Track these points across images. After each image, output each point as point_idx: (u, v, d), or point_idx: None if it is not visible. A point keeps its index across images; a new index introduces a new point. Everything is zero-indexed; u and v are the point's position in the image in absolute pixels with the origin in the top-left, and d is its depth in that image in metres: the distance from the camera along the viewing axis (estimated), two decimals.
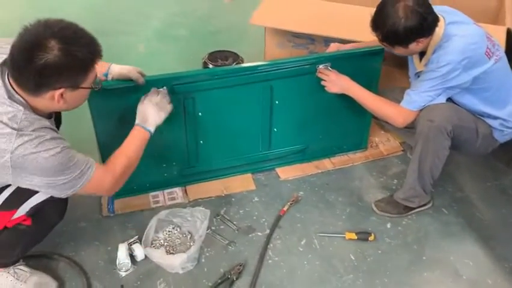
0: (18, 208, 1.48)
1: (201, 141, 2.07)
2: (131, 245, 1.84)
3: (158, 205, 2.08)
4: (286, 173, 2.27)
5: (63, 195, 1.45)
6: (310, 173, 2.27)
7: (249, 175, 2.25)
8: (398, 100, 1.92)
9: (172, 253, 1.85)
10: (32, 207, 1.49)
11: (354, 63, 2.05)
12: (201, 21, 3.64)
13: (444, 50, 1.75)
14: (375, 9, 1.76)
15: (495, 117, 1.90)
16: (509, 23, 2.24)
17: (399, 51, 1.80)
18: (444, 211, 2.10)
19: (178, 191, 2.15)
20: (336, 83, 2.01)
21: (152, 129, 1.69)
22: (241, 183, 2.21)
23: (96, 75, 1.44)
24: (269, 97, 2.05)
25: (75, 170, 1.40)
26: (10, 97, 1.33)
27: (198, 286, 1.77)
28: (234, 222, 2.01)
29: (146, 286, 1.76)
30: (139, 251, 1.82)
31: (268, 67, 1.99)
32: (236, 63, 2.36)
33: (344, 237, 1.95)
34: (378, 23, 1.74)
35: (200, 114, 1.99)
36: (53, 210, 1.56)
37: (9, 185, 1.45)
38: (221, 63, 2.36)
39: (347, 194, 2.17)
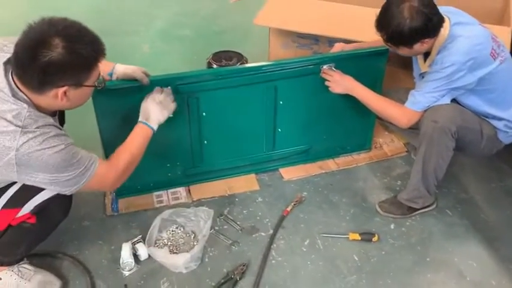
0: (22, 206, 1.49)
1: (205, 141, 2.07)
2: (134, 245, 1.85)
3: (162, 205, 2.09)
4: (290, 173, 2.27)
5: (67, 192, 1.46)
6: (314, 174, 2.27)
7: (253, 175, 2.25)
8: (402, 101, 1.92)
9: (176, 253, 1.85)
10: (36, 205, 1.50)
11: (358, 64, 2.05)
12: (205, 21, 3.65)
13: (449, 51, 1.74)
14: (380, 9, 1.76)
15: (500, 119, 1.89)
16: None
17: (403, 51, 1.80)
18: (449, 212, 2.09)
19: (181, 190, 2.16)
20: (340, 83, 2.01)
21: (155, 126, 1.70)
22: (244, 183, 2.21)
23: (99, 73, 1.44)
24: (273, 97, 2.05)
25: (79, 167, 1.41)
26: (14, 95, 1.34)
27: (201, 286, 1.77)
28: (238, 222, 2.01)
29: (150, 285, 1.77)
30: (143, 251, 1.83)
31: (272, 67, 1.99)
32: (240, 64, 2.37)
33: (348, 237, 1.95)
34: (383, 23, 1.74)
35: (204, 114, 1.99)
36: (58, 208, 1.57)
37: (14, 183, 1.46)
38: (225, 63, 2.36)
39: (350, 194, 2.17)
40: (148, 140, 1.69)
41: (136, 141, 1.65)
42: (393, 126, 2.20)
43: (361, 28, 2.08)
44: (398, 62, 2.24)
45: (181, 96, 1.85)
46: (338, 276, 1.82)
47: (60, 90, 1.34)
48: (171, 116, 1.80)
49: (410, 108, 1.87)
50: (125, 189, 2.08)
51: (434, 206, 2.09)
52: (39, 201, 1.49)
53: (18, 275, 1.68)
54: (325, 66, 2.01)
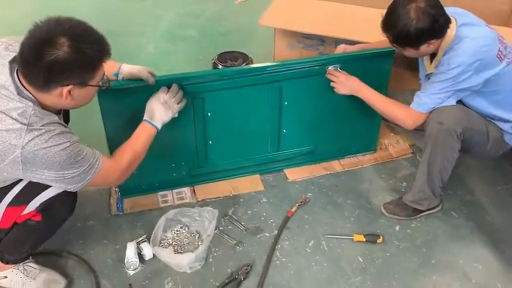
0: (28, 204, 1.50)
1: (210, 142, 2.08)
2: (139, 244, 1.85)
3: (167, 204, 2.09)
4: (295, 174, 2.27)
5: (73, 189, 1.47)
6: (318, 175, 2.27)
7: (258, 176, 2.25)
8: (408, 102, 1.91)
9: (180, 252, 1.85)
10: (41, 203, 1.50)
11: (364, 65, 2.04)
12: (211, 21, 3.65)
13: (455, 52, 1.73)
14: (386, 10, 1.75)
15: (506, 121, 1.89)
16: None
17: (409, 52, 1.79)
18: (454, 214, 2.08)
19: (186, 190, 2.16)
20: (346, 84, 2.00)
21: (159, 125, 1.71)
22: (249, 183, 2.21)
23: (104, 73, 1.45)
24: (278, 98, 2.05)
25: (84, 164, 1.42)
26: (19, 93, 1.34)
27: (206, 286, 1.77)
28: (242, 223, 2.01)
29: (154, 285, 1.77)
30: (148, 250, 1.83)
31: (277, 68, 1.99)
32: (245, 64, 2.37)
33: (352, 239, 1.94)
34: (389, 24, 1.73)
35: (209, 114, 1.99)
36: (63, 205, 1.57)
37: (19, 181, 1.47)
38: (230, 64, 2.36)
39: (355, 196, 2.17)
40: (152, 138, 1.70)
41: (140, 139, 1.66)
42: (399, 128, 2.20)
43: (367, 29, 2.07)
44: (404, 63, 2.24)
45: (187, 96, 1.85)
46: (342, 277, 1.81)
47: (65, 89, 1.34)
48: (176, 116, 1.80)
49: (415, 110, 1.86)
50: (131, 189, 2.09)
51: (439, 207, 2.08)
52: (45, 199, 1.50)
53: (23, 273, 1.69)
54: (330, 67, 2.01)
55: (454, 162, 1.88)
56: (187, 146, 2.05)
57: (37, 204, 1.50)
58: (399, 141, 2.47)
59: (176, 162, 2.09)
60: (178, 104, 1.79)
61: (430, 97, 1.82)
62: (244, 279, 1.78)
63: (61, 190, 1.49)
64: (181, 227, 1.94)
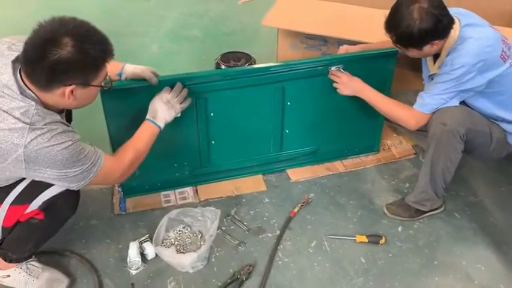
0: (31, 202, 1.50)
1: (213, 142, 2.08)
2: (142, 244, 1.85)
3: (169, 204, 2.10)
4: (297, 174, 2.27)
5: (75, 187, 1.48)
6: (321, 175, 2.27)
7: (260, 176, 2.25)
8: (411, 103, 1.91)
9: (183, 252, 1.86)
10: (44, 201, 1.51)
11: (367, 65, 2.04)
12: (214, 22, 3.66)
13: (458, 53, 1.73)
14: (389, 10, 1.75)
15: (509, 122, 1.88)
16: None
17: (413, 53, 1.79)
18: (457, 215, 2.08)
19: (189, 190, 2.16)
20: (348, 85, 2.00)
21: (161, 125, 1.72)
22: (252, 184, 2.21)
23: (107, 74, 1.46)
24: (281, 98, 2.05)
25: (86, 162, 1.43)
26: (22, 92, 1.35)
27: (208, 286, 1.77)
28: (244, 223, 2.02)
29: (157, 284, 1.77)
30: (150, 250, 1.84)
31: (280, 68, 1.99)
32: (248, 64, 2.37)
33: (355, 239, 1.94)
34: (392, 24, 1.73)
35: (212, 114, 1.99)
36: (65, 204, 1.58)
37: (22, 180, 1.48)
38: (233, 64, 2.37)
39: (358, 196, 2.16)
40: (154, 137, 1.70)
41: (142, 138, 1.67)
42: (402, 128, 2.19)
43: (370, 29, 2.07)
44: (407, 63, 2.24)
45: (189, 96, 1.85)
46: (345, 278, 1.81)
47: (68, 89, 1.35)
48: (179, 115, 1.81)
49: (418, 110, 1.86)
50: (133, 188, 2.09)
51: (442, 208, 2.08)
52: (48, 197, 1.51)
53: (26, 272, 1.70)
54: (333, 68, 2.01)
55: (457, 163, 1.88)
56: (189, 146, 2.06)
57: (40, 203, 1.51)
58: (402, 141, 2.46)
59: (179, 162, 2.10)
60: (181, 103, 1.79)
61: (433, 98, 1.82)
62: (247, 279, 1.78)
63: (64, 189, 1.50)
64: (184, 227, 1.95)
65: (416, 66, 2.11)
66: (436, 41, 1.72)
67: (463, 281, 1.81)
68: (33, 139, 1.33)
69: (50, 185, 1.48)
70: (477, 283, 1.80)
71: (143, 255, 1.84)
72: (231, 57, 2.42)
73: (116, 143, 1.86)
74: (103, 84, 1.46)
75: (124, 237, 1.93)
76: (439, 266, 1.87)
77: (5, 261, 1.67)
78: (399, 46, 1.79)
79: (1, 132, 1.32)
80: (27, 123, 1.33)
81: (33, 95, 1.36)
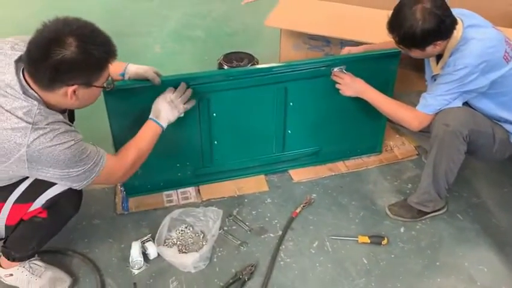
0: (34, 201, 1.51)
1: (215, 142, 2.08)
2: (144, 243, 1.86)
3: (171, 204, 2.10)
4: (300, 175, 2.27)
5: (78, 187, 1.49)
6: (323, 176, 2.27)
7: (262, 176, 2.25)
8: (414, 104, 1.91)
9: (185, 252, 1.86)
10: (47, 200, 1.52)
11: (369, 66, 2.04)
12: (217, 22, 3.66)
13: (461, 53, 1.73)
14: (392, 11, 1.75)
15: None
16: None
17: (415, 53, 1.79)
18: (459, 216, 2.07)
19: (191, 190, 2.17)
20: (351, 86, 2.00)
21: (164, 124, 1.72)
22: (254, 184, 2.21)
23: (109, 75, 1.47)
24: (283, 99, 2.05)
25: (88, 162, 1.43)
26: (25, 92, 1.36)
27: (210, 285, 1.77)
28: (247, 223, 2.02)
29: (159, 284, 1.78)
30: (152, 249, 1.84)
31: (283, 69, 1.99)
32: (251, 65, 2.37)
33: (357, 240, 1.94)
34: (395, 25, 1.73)
35: (214, 114, 2.00)
36: (69, 202, 1.59)
37: (25, 179, 1.48)
38: (236, 65, 2.37)
39: (360, 197, 2.16)
40: (157, 137, 1.71)
41: (145, 138, 1.68)
42: (404, 129, 2.19)
43: (372, 30, 2.07)
44: (410, 64, 2.23)
45: (192, 96, 1.85)
46: (347, 279, 1.81)
47: (70, 89, 1.36)
48: (182, 116, 1.81)
49: (421, 111, 1.85)
50: (136, 188, 2.10)
51: (444, 209, 2.07)
52: (51, 196, 1.51)
53: (29, 271, 1.71)
54: (336, 69, 2.01)
55: (459, 164, 1.87)
56: (192, 146, 2.06)
57: (43, 201, 1.52)
58: (405, 142, 2.46)
59: (181, 162, 2.10)
60: (184, 104, 1.80)
61: (436, 99, 1.82)
62: (249, 279, 1.78)
63: (67, 187, 1.50)
64: (186, 227, 1.95)
65: (418, 66, 2.11)
66: (439, 42, 1.72)
67: (465, 282, 1.81)
68: (36, 139, 1.33)
69: (53, 184, 1.49)
70: (479, 284, 1.80)
71: (145, 255, 1.84)
72: (233, 58, 2.42)
73: (118, 143, 1.87)
74: (105, 85, 1.47)
75: (126, 237, 1.93)
76: (441, 267, 1.86)
77: (8, 260, 1.67)
78: (402, 47, 1.79)
79: (4, 132, 1.33)
80: (30, 123, 1.33)
81: (35, 94, 1.37)
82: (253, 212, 2.08)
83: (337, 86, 2.02)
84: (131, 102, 1.81)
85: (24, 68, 1.37)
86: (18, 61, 1.39)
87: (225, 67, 2.37)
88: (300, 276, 1.82)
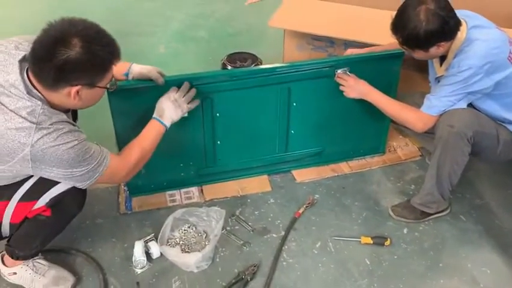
0: (38, 199, 1.52)
1: (218, 142, 2.08)
2: (147, 243, 1.86)
3: (174, 204, 2.10)
4: (303, 175, 2.27)
5: (82, 186, 1.49)
6: (326, 176, 2.27)
7: (265, 177, 2.25)
8: (417, 105, 1.90)
9: (188, 252, 1.86)
10: (51, 198, 1.52)
11: (373, 67, 2.04)
12: (220, 23, 3.67)
13: (465, 54, 1.72)
14: (395, 12, 1.75)
15: None
16: None
17: (419, 55, 1.79)
18: (463, 218, 2.07)
19: (194, 190, 2.17)
20: (355, 88, 2.00)
21: (168, 124, 1.72)
22: (257, 184, 2.21)
23: (112, 76, 1.47)
24: (287, 99, 2.05)
25: (92, 162, 1.44)
26: (28, 92, 1.36)
27: (212, 285, 1.78)
28: (249, 223, 2.02)
29: (161, 284, 1.78)
30: (155, 249, 1.84)
31: (286, 69, 1.99)
32: (254, 65, 2.37)
33: (360, 241, 1.94)
34: (398, 26, 1.73)
35: (218, 115, 2.00)
36: (72, 201, 1.59)
37: (30, 177, 1.49)
38: (240, 65, 2.37)
39: (363, 198, 2.16)
40: (160, 136, 1.71)
41: (148, 137, 1.68)
42: (408, 130, 2.19)
43: (376, 31, 2.07)
44: (413, 65, 2.23)
45: (196, 96, 1.86)
46: (349, 279, 1.81)
47: (74, 89, 1.36)
48: (186, 115, 1.81)
49: (425, 113, 1.85)
50: (139, 187, 2.10)
51: (447, 211, 2.07)
52: (55, 194, 1.52)
53: (33, 269, 1.71)
54: (339, 71, 2.00)
55: (463, 166, 1.87)
56: (195, 145, 2.06)
57: (47, 200, 1.52)
58: (408, 143, 2.45)
59: (184, 161, 2.11)
60: (188, 104, 1.80)
61: (441, 100, 1.81)
62: (251, 279, 1.78)
63: (71, 186, 1.51)
64: (189, 227, 1.95)
65: (422, 67, 2.10)
66: (442, 43, 1.72)
67: (468, 283, 1.80)
68: (40, 138, 1.34)
69: (57, 182, 1.49)
70: (482, 286, 1.79)
71: (148, 255, 1.85)
72: (237, 58, 2.42)
73: (122, 142, 1.87)
74: (108, 86, 1.47)
75: (129, 236, 1.94)
76: (444, 268, 1.86)
77: (12, 258, 1.68)
78: (405, 48, 1.79)
79: (8, 132, 1.33)
80: (33, 123, 1.34)
81: (39, 94, 1.37)
82: (256, 212, 2.08)
83: (341, 88, 2.02)
84: (134, 102, 1.82)
85: (29, 68, 1.37)
86: (22, 61, 1.39)
87: (229, 67, 2.37)
88: (302, 277, 1.82)
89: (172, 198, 2.13)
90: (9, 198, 1.50)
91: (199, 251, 1.83)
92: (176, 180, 2.14)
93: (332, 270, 1.84)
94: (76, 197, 1.58)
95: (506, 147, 1.89)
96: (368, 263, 1.87)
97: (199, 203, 2.11)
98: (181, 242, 1.90)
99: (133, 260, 1.82)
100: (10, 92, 1.36)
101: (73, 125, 1.45)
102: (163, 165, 2.03)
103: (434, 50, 1.74)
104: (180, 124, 1.80)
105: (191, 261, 1.78)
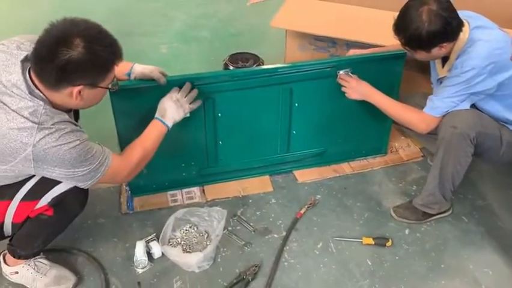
0: (40, 198, 1.52)
1: (220, 142, 2.08)
2: (148, 243, 1.86)
3: (176, 204, 2.10)
4: (304, 176, 2.26)
5: (84, 186, 1.50)
6: (328, 177, 2.26)
7: (267, 177, 2.25)
8: (419, 105, 1.90)
9: (189, 252, 1.86)
10: (54, 198, 1.53)
11: (375, 67, 2.04)
12: (223, 23, 3.67)
13: (468, 55, 1.72)
14: (398, 13, 1.75)
15: None
16: None
17: (421, 55, 1.78)
18: (464, 219, 2.06)
19: (196, 190, 2.17)
20: (357, 89, 2.00)
21: (169, 124, 1.73)
22: (258, 184, 2.21)
23: (114, 76, 1.48)
24: (289, 99, 2.05)
25: (93, 162, 1.44)
26: (30, 92, 1.37)
27: (214, 285, 1.78)
28: (251, 223, 2.02)
29: (163, 284, 1.78)
30: (156, 249, 1.85)
31: (288, 69, 1.99)
32: (256, 65, 2.37)
33: (361, 242, 1.94)
34: (401, 26, 1.72)
35: (220, 115, 2.00)
36: (74, 200, 1.60)
37: (32, 177, 1.49)
38: (242, 65, 2.37)
39: (365, 198, 2.16)
40: (162, 136, 1.71)
41: (150, 137, 1.68)
42: (410, 131, 2.18)
43: (378, 31, 2.06)
44: (415, 66, 2.22)
45: (197, 96, 1.86)
46: (351, 280, 1.81)
47: (76, 89, 1.37)
48: (188, 115, 1.81)
49: (428, 114, 1.85)
50: (141, 187, 2.10)
51: (449, 212, 2.07)
52: (57, 193, 1.52)
53: (34, 269, 1.72)
54: (341, 72, 2.00)
55: (466, 167, 1.86)
56: (197, 146, 2.06)
57: (49, 199, 1.53)
58: (410, 144, 2.45)
59: (186, 161, 2.11)
60: (190, 104, 1.80)
61: (443, 101, 1.81)
62: (252, 279, 1.78)
63: (73, 185, 1.51)
64: (190, 227, 1.95)
65: (424, 68, 2.10)
66: (445, 44, 1.71)
67: (470, 284, 1.80)
68: (42, 138, 1.34)
69: (59, 182, 1.50)
70: (484, 287, 1.79)
71: (149, 254, 1.85)
72: (239, 58, 2.42)
73: (124, 142, 1.87)
74: (110, 86, 1.48)
75: (131, 236, 1.94)
76: (446, 269, 1.86)
77: (14, 257, 1.69)
78: (407, 48, 1.79)
79: (10, 131, 1.34)
80: (35, 123, 1.34)
81: (41, 94, 1.38)
82: (258, 213, 2.08)
83: (343, 89, 2.02)
84: (136, 102, 1.82)
85: (31, 68, 1.38)
86: (24, 61, 1.40)
87: (231, 67, 2.37)
88: (303, 277, 1.81)
89: (173, 198, 2.13)
90: (12, 198, 1.50)
91: (200, 251, 1.83)
92: (178, 180, 2.14)
93: (333, 270, 1.84)
94: (78, 196, 1.59)
95: (509, 148, 1.88)
96: (370, 263, 1.87)
97: (200, 203, 2.11)
98: (182, 242, 1.90)
99: (135, 259, 1.83)
100: (12, 92, 1.36)
101: (75, 125, 1.45)
102: (165, 165, 2.03)
103: (437, 51, 1.74)
104: (182, 124, 1.80)
105: (192, 261, 1.79)
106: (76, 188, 1.52)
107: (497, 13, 1.98)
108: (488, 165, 2.29)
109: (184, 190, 2.17)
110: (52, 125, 1.36)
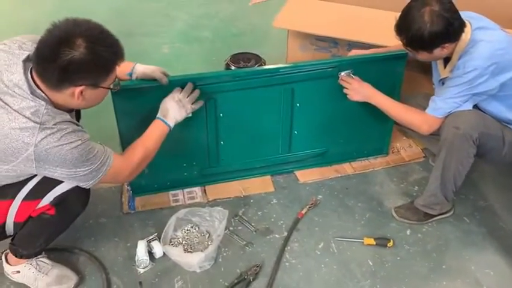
0: (42, 198, 1.52)
1: (222, 142, 2.09)
2: (150, 242, 1.86)
3: (177, 204, 2.11)
4: (306, 176, 2.26)
5: (85, 186, 1.50)
6: (329, 177, 2.26)
7: (268, 177, 2.25)
8: (421, 106, 1.90)
9: (190, 252, 1.86)
10: (55, 197, 1.53)
11: (376, 68, 2.04)
12: (224, 23, 3.67)
13: (470, 56, 1.72)
14: (400, 13, 1.75)
15: None
16: None
17: (423, 56, 1.78)
18: (466, 220, 2.06)
19: (197, 190, 2.17)
20: (359, 91, 1.99)
21: (171, 124, 1.73)
22: (260, 184, 2.21)
23: (116, 76, 1.48)
24: (290, 100, 2.05)
25: (95, 162, 1.44)
26: (32, 92, 1.37)
27: (215, 285, 1.78)
28: (252, 224, 2.02)
29: (164, 283, 1.78)
30: (158, 249, 1.85)
31: (290, 70, 1.99)
32: (258, 65, 2.37)
33: (362, 242, 1.94)
34: (402, 27, 1.72)
35: (221, 115, 2.00)
36: (76, 200, 1.60)
37: (34, 176, 1.50)
38: (243, 65, 2.37)
39: (366, 199, 2.16)
40: (164, 136, 1.71)
41: (152, 137, 1.68)
42: (411, 131, 2.18)
43: (380, 31, 2.07)
44: (417, 66, 2.22)
45: (199, 97, 1.86)
46: (352, 280, 1.81)
47: (77, 89, 1.37)
48: (190, 115, 1.82)
49: (431, 115, 1.84)
50: (142, 187, 2.11)
51: (451, 212, 2.06)
52: (59, 193, 1.53)
53: (36, 268, 1.72)
54: (343, 73, 2.00)
55: (468, 168, 1.86)
56: (199, 146, 2.07)
57: (51, 198, 1.53)
58: (412, 144, 2.45)
59: (188, 161, 2.11)
60: (192, 104, 1.80)
61: (446, 102, 1.81)
62: (253, 280, 1.78)
63: (75, 185, 1.52)
64: (192, 227, 1.96)
65: (426, 68, 2.10)
66: (447, 44, 1.71)
67: (471, 285, 1.80)
68: (44, 138, 1.34)
69: (61, 181, 1.50)
70: None
71: (151, 254, 1.85)
72: (240, 58, 2.42)
73: (126, 142, 1.87)
74: (111, 86, 1.48)
75: (132, 236, 1.94)
76: (447, 270, 1.85)
77: (16, 257, 1.69)
78: (409, 49, 1.78)
79: (12, 131, 1.34)
80: (37, 123, 1.35)
81: (43, 94, 1.38)
82: (259, 213, 2.08)
83: (345, 90, 2.02)
84: (138, 102, 1.82)
85: (33, 68, 1.38)
86: (26, 61, 1.40)
87: (232, 68, 2.37)
88: (305, 278, 1.81)
89: (175, 198, 2.13)
90: (14, 197, 1.51)
91: (201, 251, 1.84)
92: (180, 180, 2.15)
93: (334, 271, 1.84)
94: (80, 195, 1.59)
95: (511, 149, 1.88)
96: (371, 264, 1.87)
97: (202, 203, 2.11)
98: (183, 242, 1.90)
99: (136, 259, 1.83)
100: (14, 92, 1.36)
101: (77, 125, 1.46)
102: (167, 165, 2.03)
103: (438, 52, 1.74)
104: (184, 124, 1.80)
105: (194, 261, 1.79)
106: (77, 187, 1.52)
107: (499, 14, 1.98)
108: (490, 166, 2.28)
109: (186, 190, 2.17)
110: (54, 125, 1.37)
